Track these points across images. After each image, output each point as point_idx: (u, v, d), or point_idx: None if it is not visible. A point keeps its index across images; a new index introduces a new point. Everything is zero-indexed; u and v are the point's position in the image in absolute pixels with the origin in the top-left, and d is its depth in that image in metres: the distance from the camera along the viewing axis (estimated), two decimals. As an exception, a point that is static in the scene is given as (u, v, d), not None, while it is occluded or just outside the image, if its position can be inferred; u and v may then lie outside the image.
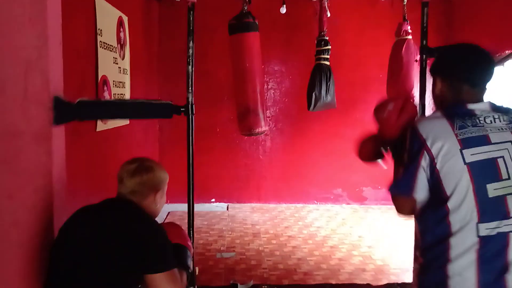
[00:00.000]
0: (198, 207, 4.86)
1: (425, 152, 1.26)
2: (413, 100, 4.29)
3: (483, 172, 1.22)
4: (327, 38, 3.85)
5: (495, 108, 1.33)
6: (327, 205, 5.15)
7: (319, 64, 3.88)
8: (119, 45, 3.41)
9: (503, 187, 1.21)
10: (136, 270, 1.33)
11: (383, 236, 4.10)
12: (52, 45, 1.63)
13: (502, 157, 1.23)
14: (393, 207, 1.37)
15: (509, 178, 1.22)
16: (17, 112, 1.54)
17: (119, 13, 3.40)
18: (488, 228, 1.20)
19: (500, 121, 1.28)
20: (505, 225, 1.20)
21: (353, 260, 3.52)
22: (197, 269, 2.07)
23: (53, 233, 1.65)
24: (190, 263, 1.56)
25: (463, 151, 1.23)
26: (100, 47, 2.94)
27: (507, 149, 1.24)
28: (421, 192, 1.28)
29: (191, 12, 1.96)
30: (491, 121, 1.28)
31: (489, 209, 1.21)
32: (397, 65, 4.06)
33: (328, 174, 5.17)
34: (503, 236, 1.20)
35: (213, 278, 3.07)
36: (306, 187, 5.19)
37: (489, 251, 1.21)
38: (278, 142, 5.18)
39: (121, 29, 3.48)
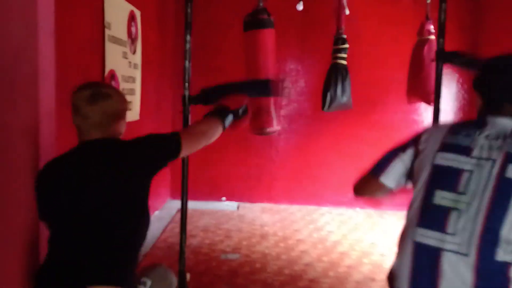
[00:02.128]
0: (208, 205, 4.81)
1: (413, 147, 1.26)
2: (433, 104, 4.11)
3: (441, 178, 1.15)
4: (344, 36, 3.70)
5: None
6: (340, 208, 4.99)
7: (335, 64, 3.73)
8: (130, 39, 3.36)
9: (452, 200, 1.10)
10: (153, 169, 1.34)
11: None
12: (43, 35, 1.57)
13: (471, 171, 1.10)
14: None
15: (464, 194, 1.09)
16: (4, 105, 1.49)
17: (130, 7, 3.35)
18: (423, 235, 1.14)
19: (498, 140, 1.11)
20: (438, 240, 1.10)
21: (363, 268, 3.37)
22: (188, 275, 1.98)
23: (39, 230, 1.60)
24: (228, 120, 1.56)
25: (438, 152, 1.17)
26: (109, 41, 2.90)
27: (483, 166, 1.09)
28: (389, 179, 1.30)
29: (189, 4, 1.87)
30: (487, 136, 1.12)
31: (429, 215, 1.14)
32: (418, 66, 3.89)
33: (342, 176, 4.99)
34: (434, 250, 1.10)
35: (214, 281, 2.99)
36: (319, 189, 5.05)
37: (421, 260, 1.13)
38: (292, 142, 5.06)
39: (133, 23, 3.44)
